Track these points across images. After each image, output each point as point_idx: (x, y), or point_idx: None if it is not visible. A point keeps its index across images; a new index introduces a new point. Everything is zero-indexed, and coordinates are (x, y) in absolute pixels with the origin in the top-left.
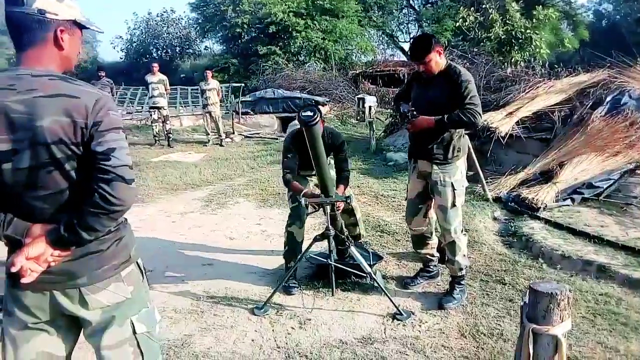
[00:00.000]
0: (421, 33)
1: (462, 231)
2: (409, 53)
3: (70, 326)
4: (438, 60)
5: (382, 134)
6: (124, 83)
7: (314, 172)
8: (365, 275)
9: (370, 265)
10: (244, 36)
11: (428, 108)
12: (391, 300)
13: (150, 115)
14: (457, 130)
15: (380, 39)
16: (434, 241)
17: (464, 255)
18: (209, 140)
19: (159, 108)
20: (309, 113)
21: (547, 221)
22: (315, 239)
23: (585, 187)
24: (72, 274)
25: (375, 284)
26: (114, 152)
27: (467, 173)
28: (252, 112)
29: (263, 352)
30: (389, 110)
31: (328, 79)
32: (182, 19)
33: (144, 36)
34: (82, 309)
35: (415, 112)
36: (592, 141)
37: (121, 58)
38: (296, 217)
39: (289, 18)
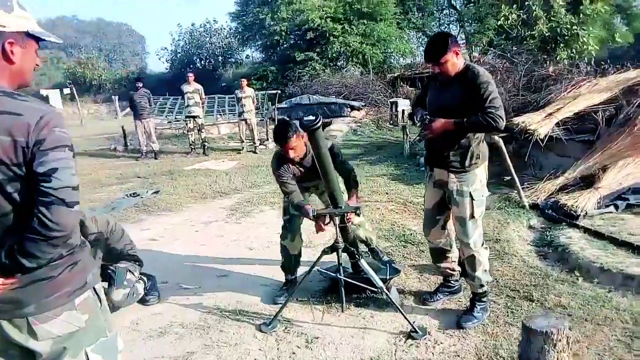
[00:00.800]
0: (437, 32)
1: (482, 244)
2: (424, 54)
3: (25, 357)
4: (455, 62)
5: (417, 137)
6: (168, 93)
7: (312, 183)
8: (377, 290)
9: (386, 280)
10: (282, 43)
11: (441, 112)
12: (405, 317)
13: (186, 124)
14: (476, 136)
15: (420, 40)
16: (454, 254)
17: (485, 271)
18: (242, 147)
19: (194, 117)
20: (311, 117)
21: (586, 230)
22: (324, 252)
23: (630, 193)
24: (19, 302)
25: (389, 300)
26: (55, 173)
27: (502, 178)
28: (288, 119)
29: None
30: None
31: (365, 83)
32: (224, 29)
33: (187, 47)
34: (31, 339)
35: (429, 117)
36: (639, 143)
37: (166, 69)
38: (287, 231)
39: (327, 23)
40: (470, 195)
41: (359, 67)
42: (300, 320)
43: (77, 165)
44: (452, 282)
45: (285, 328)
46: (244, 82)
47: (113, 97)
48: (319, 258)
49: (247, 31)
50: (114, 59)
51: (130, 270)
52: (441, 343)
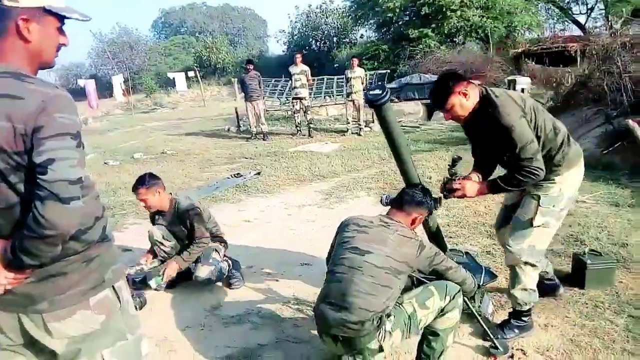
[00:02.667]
0: (442, 73)
1: (531, 263)
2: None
3: (49, 353)
4: (464, 103)
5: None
6: (284, 75)
7: None
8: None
9: (480, 285)
10: (396, 21)
11: (493, 154)
12: (484, 327)
13: (293, 105)
14: (555, 142)
15: (550, 12)
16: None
17: (526, 290)
18: (347, 129)
19: (300, 99)
20: (377, 91)
21: None
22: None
23: None
24: (32, 298)
25: (469, 308)
26: (52, 165)
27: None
28: (397, 100)
29: None
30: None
31: (482, 60)
32: (339, 9)
33: (304, 29)
34: (47, 336)
35: (453, 177)
36: None
37: (283, 51)
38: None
39: None
40: (538, 199)
41: (478, 43)
42: None
43: (181, 143)
44: (545, 282)
45: None
46: (355, 61)
47: (232, 79)
48: None
49: (360, 9)
50: (238, 43)
51: (216, 250)
52: None
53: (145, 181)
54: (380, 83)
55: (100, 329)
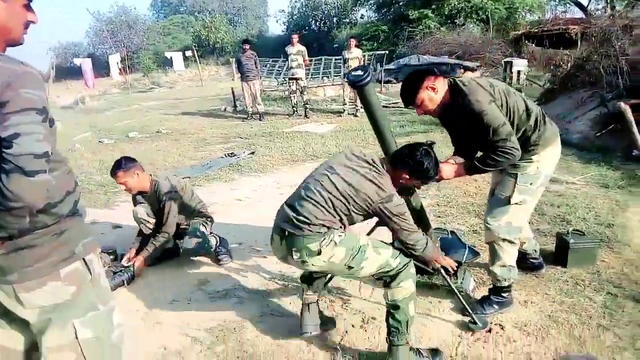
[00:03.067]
0: (410, 73)
1: (509, 240)
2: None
3: (22, 323)
4: (433, 96)
5: (536, 102)
6: (282, 56)
7: None
8: (430, 271)
9: (460, 263)
10: (396, 1)
11: (467, 141)
12: (462, 303)
13: (289, 86)
14: (530, 123)
15: None
16: (524, 232)
17: (505, 266)
18: (344, 110)
19: (297, 79)
20: (359, 72)
21: None
22: (378, 224)
23: None
24: (2, 269)
25: (445, 283)
26: (17, 139)
27: (631, 152)
28: (395, 81)
29: (310, 351)
30: (546, 75)
31: (483, 41)
32: None
33: (304, 9)
34: (19, 306)
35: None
36: None
37: (283, 31)
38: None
39: None
40: (516, 177)
41: (478, 25)
42: (360, 297)
43: (177, 123)
44: (529, 260)
45: (344, 304)
46: (353, 42)
47: (231, 59)
48: (373, 228)
49: None
50: (238, 22)
51: (202, 224)
52: (514, 341)
53: (122, 165)
54: (363, 65)
55: (71, 300)
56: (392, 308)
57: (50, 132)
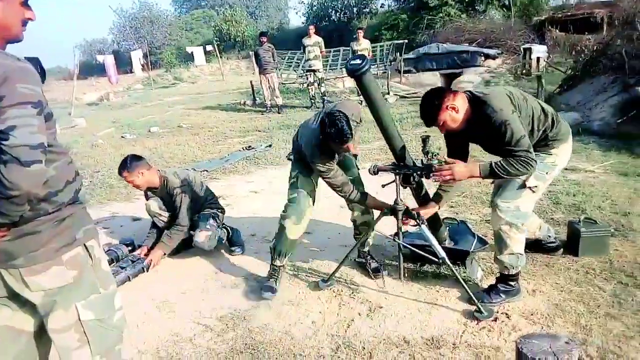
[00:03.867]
0: (426, 93)
1: (517, 226)
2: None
3: (29, 305)
4: (455, 116)
5: (557, 89)
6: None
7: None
8: (437, 261)
9: (468, 252)
10: None
11: (491, 150)
12: (468, 293)
13: (307, 78)
14: (547, 122)
15: None
16: (530, 222)
17: (513, 254)
18: (361, 102)
19: (314, 71)
20: (358, 61)
21: None
22: (383, 213)
23: None
24: (9, 253)
25: (451, 273)
26: (13, 131)
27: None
28: (414, 70)
29: (315, 339)
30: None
31: (504, 28)
32: None
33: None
34: (26, 289)
35: (431, 156)
36: None
37: (303, 23)
38: (293, 210)
39: None
40: None
41: (500, 11)
42: (369, 286)
43: (197, 117)
44: (548, 243)
45: (352, 293)
46: (361, 33)
47: (251, 52)
48: (377, 219)
49: None
50: (259, 16)
51: (213, 216)
52: (519, 330)
53: (127, 165)
54: (361, 54)
55: (73, 283)
56: None
57: (46, 125)
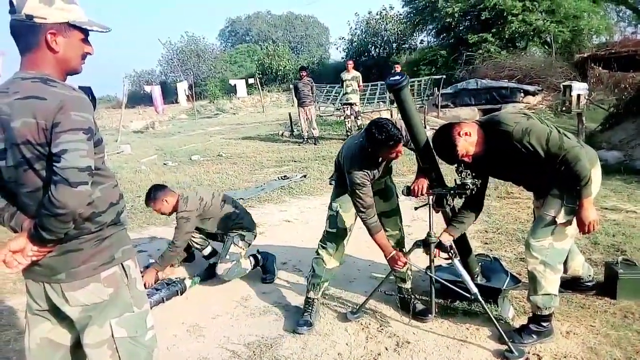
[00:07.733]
0: (438, 130)
1: (551, 267)
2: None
3: (68, 320)
4: (470, 140)
5: (599, 127)
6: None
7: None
8: (470, 297)
9: (500, 290)
10: (455, 26)
11: (518, 176)
12: (500, 331)
13: (344, 111)
14: (571, 141)
15: (621, 15)
16: (576, 262)
17: (546, 295)
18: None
19: (351, 104)
20: (397, 77)
21: None
22: (416, 245)
23: None
24: (53, 269)
25: (482, 310)
26: (65, 154)
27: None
28: (452, 105)
29: None
30: (611, 98)
31: (544, 65)
32: (399, 14)
33: (363, 35)
34: (66, 304)
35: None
36: None
37: (342, 58)
38: (331, 243)
39: (504, 1)
40: (562, 197)
41: (541, 48)
42: (397, 319)
43: (236, 147)
44: (584, 284)
45: (380, 326)
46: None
47: (291, 86)
48: (409, 250)
49: (419, 15)
50: (301, 50)
51: (234, 243)
52: None
53: (151, 196)
54: (399, 71)
55: (109, 300)
56: None
57: (95, 150)
